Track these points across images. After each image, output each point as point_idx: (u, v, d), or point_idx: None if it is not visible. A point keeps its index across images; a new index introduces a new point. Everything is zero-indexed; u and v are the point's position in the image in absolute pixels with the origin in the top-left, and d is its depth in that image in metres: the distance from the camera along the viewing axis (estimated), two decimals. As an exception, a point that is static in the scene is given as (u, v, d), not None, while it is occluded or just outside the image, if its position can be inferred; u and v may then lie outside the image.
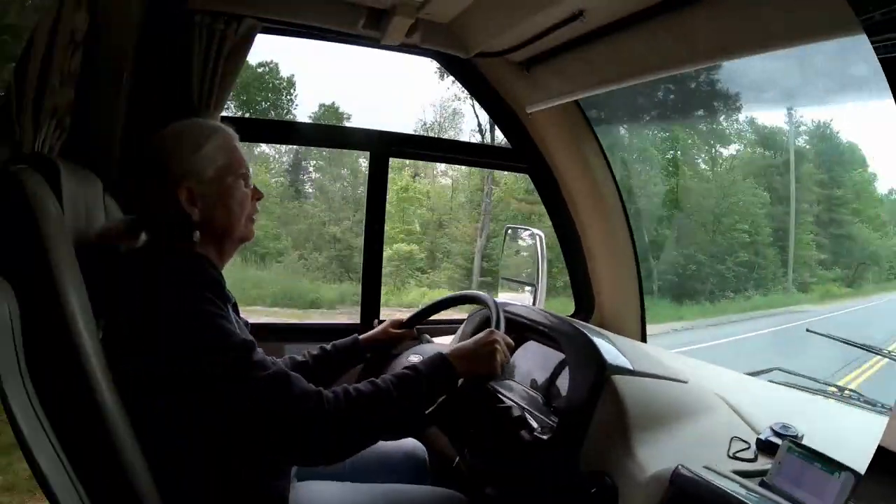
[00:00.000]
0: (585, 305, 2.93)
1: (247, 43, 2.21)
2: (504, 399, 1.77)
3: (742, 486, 1.28)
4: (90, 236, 1.37)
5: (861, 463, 1.20)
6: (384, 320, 2.06)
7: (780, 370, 2.22)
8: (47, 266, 1.02)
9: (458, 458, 1.87)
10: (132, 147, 1.37)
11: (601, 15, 1.98)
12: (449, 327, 2.43)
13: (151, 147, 1.40)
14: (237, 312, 1.56)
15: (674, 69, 1.87)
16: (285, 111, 16.54)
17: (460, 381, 1.49)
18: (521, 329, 2.02)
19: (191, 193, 1.36)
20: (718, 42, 1.70)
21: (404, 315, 2.04)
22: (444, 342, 2.10)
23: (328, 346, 1.92)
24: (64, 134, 1.80)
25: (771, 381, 2.17)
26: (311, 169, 17.15)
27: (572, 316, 2.86)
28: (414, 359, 1.79)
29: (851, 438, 1.57)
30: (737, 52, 1.67)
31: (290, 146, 15.16)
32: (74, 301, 1.05)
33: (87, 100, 1.93)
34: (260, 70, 16.00)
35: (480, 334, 1.57)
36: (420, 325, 2.05)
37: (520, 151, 2.81)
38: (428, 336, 2.04)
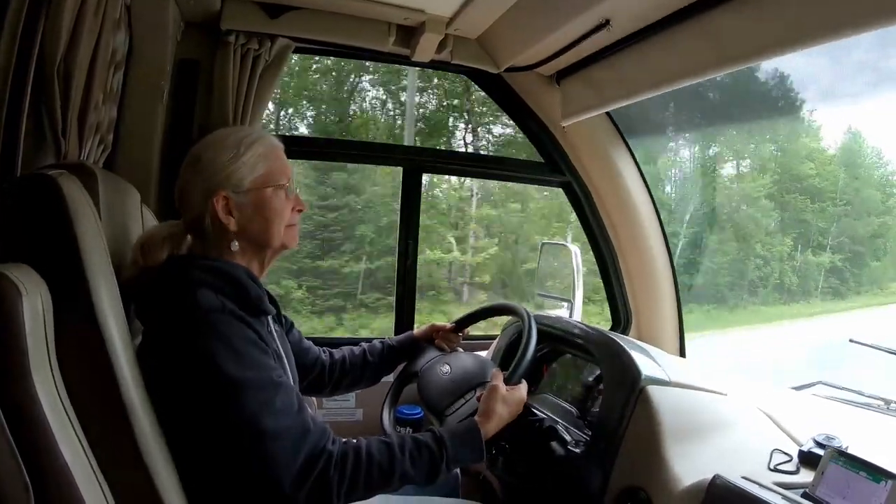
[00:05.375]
0: (623, 321, 2.90)
1: (281, 62, 2.28)
2: (536, 412, 1.76)
3: (782, 497, 1.25)
4: (131, 245, 1.39)
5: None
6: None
7: (823, 384, 2.17)
8: (79, 264, 1.05)
9: (488, 471, 1.86)
10: (171, 163, 1.39)
11: (627, 23, 1.99)
12: (479, 343, 2.43)
13: (196, 151, 1.40)
14: (280, 322, 1.59)
15: (705, 74, 1.85)
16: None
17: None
18: (556, 341, 2.01)
19: (227, 202, 1.35)
20: (750, 43, 1.67)
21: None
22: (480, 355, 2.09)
23: (387, 340, 1.95)
24: (107, 150, 1.86)
25: (815, 395, 2.12)
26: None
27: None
28: (441, 371, 1.80)
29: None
30: (770, 51, 1.63)
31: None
32: (105, 299, 1.07)
33: (128, 117, 2.01)
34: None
35: (493, 391, 1.52)
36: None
37: (553, 166, 2.81)
38: (459, 348, 2.04)
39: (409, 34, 2.38)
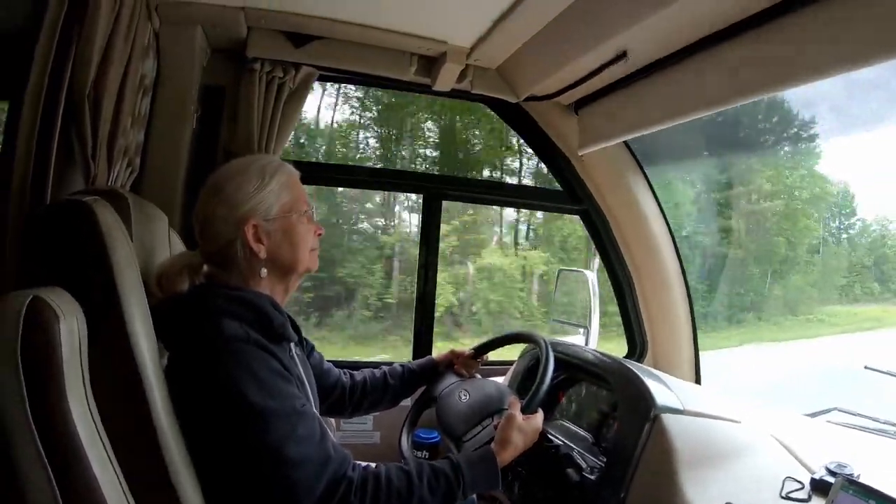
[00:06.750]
0: (638, 347, 2.90)
1: (305, 90, 2.33)
2: (552, 438, 1.77)
3: None
4: (154, 276, 1.41)
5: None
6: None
7: (839, 410, 2.15)
8: (114, 290, 1.07)
9: (503, 496, 1.86)
10: (196, 187, 1.42)
11: (644, 55, 2.02)
12: (497, 368, 2.42)
13: (218, 180, 1.42)
14: (301, 345, 1.60)
15: (723, 104, 1.86)
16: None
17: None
18: (572, 368, 2.02)
19: (257, 230, 1.38)
20: (765, 74, 1.69)
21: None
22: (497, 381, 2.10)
23: (407, 364, 1.97)
24: (134, 173, 1.90)
25: (829, 422, 2.10)
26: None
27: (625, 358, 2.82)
28: (459, 397, 1.81)
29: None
30: (786, 82, 1.65)
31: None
32: (138, 324, 1.10)
33: (155, 141, 2.06)
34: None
35: (510, 420, 1.55)
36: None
37: (571, 193, 2.83)
38: (478, 373, 2.05)
39: (430, 64, 2.43)
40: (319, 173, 2.77)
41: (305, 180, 1.53)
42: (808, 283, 12.41)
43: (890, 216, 12.31)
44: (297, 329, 1.51)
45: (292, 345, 1.45)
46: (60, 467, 0.91)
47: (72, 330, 0.96)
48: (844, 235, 12.87)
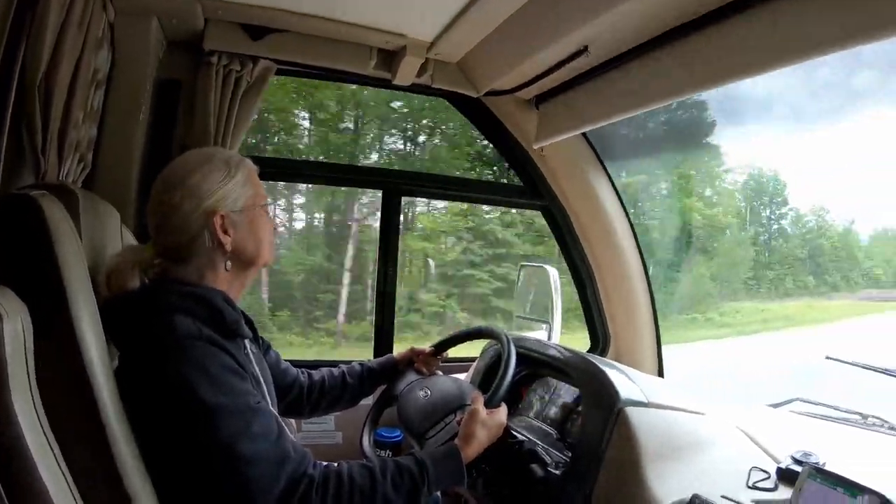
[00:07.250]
0: (601, 342, 2.92)
1: (262, 84, 2.29)
2: (516, 434, 1.77)
3: None
4: (103, 273, 1.37)
5: (888, 488, 1.20)
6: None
7: (801, 400, 2.18)
8: (60, 288, 1.04)
9: (468, 493, 1.85)
10: (150, 183, 1.38)
11: (605, 49, 2.02)
12: (459, 365, 2.43)
13: (178, 172, 1.38)
14: (257, 342, 1.58)
15: (680, 95, 1.90)
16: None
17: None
18: (535, 364, 2.02)
19: (224, 221, 1.36)
20: (722, 66, 1.71)
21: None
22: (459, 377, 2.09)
23: (366, 363, 1.95)
24: (86, 168, 1.85)
25: (792, 412, 2.13)
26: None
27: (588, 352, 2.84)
28: (421, 394, 1.80)
29: (876, 465, 1.56)
30: (740, 73, 1.68)
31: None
32: (85, 320, 1.07)
33: (108, 136, 2.01)
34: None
35: (473, 414, 1.54)
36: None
37: (532, 189, 2.84)
38: (438, 371, 2.04)
39: (390, 58, 2.41)
40: (275, 168, 2.74)
41: (261, 175, 1.50)
42: (708, 277, 11.09)
43: (826, 206, 11.74)
44: (251, 326, 1.48)
45: (247, 342, 1.42)
46: (6, 470, 0.88)
47: (16, 329, 0.93)
48: (776, 225, 12.18)
